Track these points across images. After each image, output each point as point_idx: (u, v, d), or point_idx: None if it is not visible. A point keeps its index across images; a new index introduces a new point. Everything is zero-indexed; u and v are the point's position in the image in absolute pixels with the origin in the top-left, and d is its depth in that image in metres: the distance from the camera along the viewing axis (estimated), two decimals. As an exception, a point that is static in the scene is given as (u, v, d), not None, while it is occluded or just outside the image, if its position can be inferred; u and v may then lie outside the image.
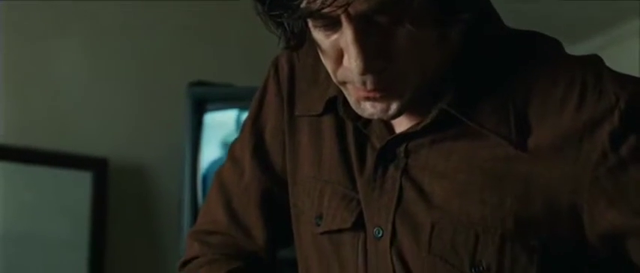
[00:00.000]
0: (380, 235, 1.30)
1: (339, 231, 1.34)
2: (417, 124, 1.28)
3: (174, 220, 3.03)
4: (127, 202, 3.14)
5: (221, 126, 2.89)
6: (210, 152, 2.90)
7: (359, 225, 1.32)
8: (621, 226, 1.23)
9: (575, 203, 1.23)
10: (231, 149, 1.49)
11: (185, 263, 1.48)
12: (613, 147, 1.21)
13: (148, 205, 3.16)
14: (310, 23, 1.20)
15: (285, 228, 1.43)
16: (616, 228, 1.24)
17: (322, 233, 1.35)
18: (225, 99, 2.96)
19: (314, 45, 1.24)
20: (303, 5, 1.14)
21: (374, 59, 1.18)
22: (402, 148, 1.30)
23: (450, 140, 1.27)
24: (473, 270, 1.25)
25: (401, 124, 1.31)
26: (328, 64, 1.24)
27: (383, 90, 1.22)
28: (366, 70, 1.19)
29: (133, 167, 3.12)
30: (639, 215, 1.22)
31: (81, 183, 3.02)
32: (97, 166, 3.04)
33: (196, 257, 1.47)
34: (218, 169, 1.51)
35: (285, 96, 1.41)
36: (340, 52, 1.21)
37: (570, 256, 1.27)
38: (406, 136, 1.29)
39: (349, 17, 1.16)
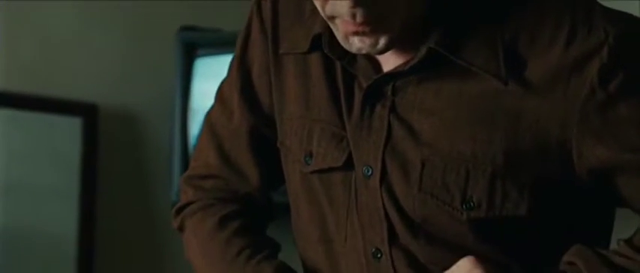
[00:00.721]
0: (369, 173, 1.30)
1: (330, 170, 1.34)
2: (405, 63, 1.28)
3: (165, 165, 3.02)
4: (118, 148, 3.13)
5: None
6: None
7: (350, 164, 1.32)
8: (609, 161, 1.24)
9: (564, 139, 1.23)
10: (220, 90, 1.49)
11: (180, 209, 1.48)
12: (601, 83, 1.21)
13: (138, 150, 3.15)
14: None
15: (277, 168, 1.42)
16: (604, 163, 1.24)
17: (312, 172, 1.35)
18: (216, 44, 2.94)
19: None
20: None
21: None
22: (389, 87, 1.29)
23: (438, 78, 1.27)
24: (464, 206, 1.25)
25: (388, 63, 1.30)
26: None
27: (372, 23, 1.21)
28: (356, 2, 1.18)
29: (124, 113, 3.11)
30: (627, 151, 1.23)
31: (71, 129, 3.00)
32: (86, 112, 3.03)
33: (191, 203, 1.47)
34: (207, 112, 1.51)
35: (270, 33, 1.40)
36: None
37: (560, 193, 1.27)
38: (394, 75, 1.29)
39: None
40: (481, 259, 1.23)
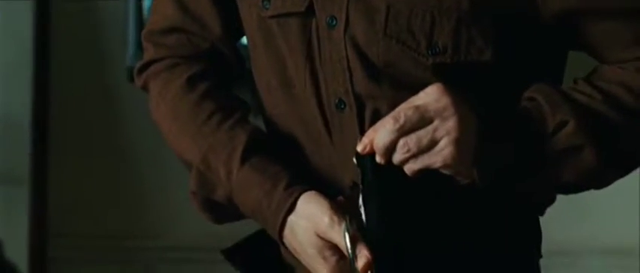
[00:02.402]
0: (334, 23, 1.28)
1: (288, 15, 1.31)
2: None
3: (120, 31, 3.00)
4: (71, 18, 3.09)
5: None
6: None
7: (310, 11, 1.30)
8: (575, 4, 1.24)
9: None
10: None
11: (142, 68, 1.43)
12: None
13: (91, 18, 3.12)
14: None
15: (238, 16, 1.39)
16: (570, 6, 1.24)
17: (270, 17, 1.33)
18: None
19: None
20: None
21: None
22: None
23: None
24: (429, 51, 1.25)
25: None
26: None
27: None
28: None
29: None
30: None
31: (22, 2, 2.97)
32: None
33: (154, 61, 1.42)
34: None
35: None
36: None
37: (524, 38, 1.27)
38: None
39: None
40: (450, 86, 1.23)
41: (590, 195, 2.84)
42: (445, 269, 1.28)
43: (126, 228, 3.18)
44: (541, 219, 1.37)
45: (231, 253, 1.39)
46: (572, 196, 2.68)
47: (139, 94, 1.53)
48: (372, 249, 1.23)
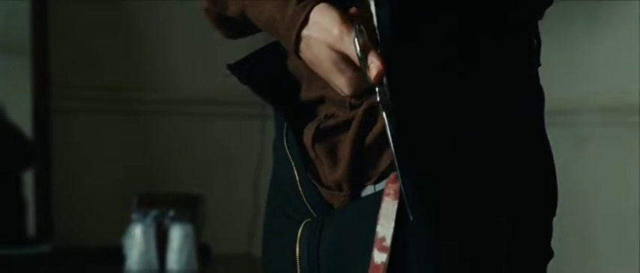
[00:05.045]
0: None
1: None
2: None
3: None
4: None
5: None
6: None
7: None
8: None
9: None
10: None
11: None
12: None
13: None
14: None
15: None
16: None
17: None
18: None
19: None
20: None
21: None
22: None
23: None
24: None
25: None
26: None
27: None
28: None
29: None
30: None
31: None
32: None
33: None
34: None
35: None
36: None
37: None
38: None
39: None
40: None
41: (591, 53, 2.83)
42: (454, 92, 1.27)
43: (127, 80, 3.18)
44: (542, 80, 1.37)
45: (237, 68, 1.39)
46: (572, 55, 2.67)
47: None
48: (383, 56, 1.21)
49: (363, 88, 1.25)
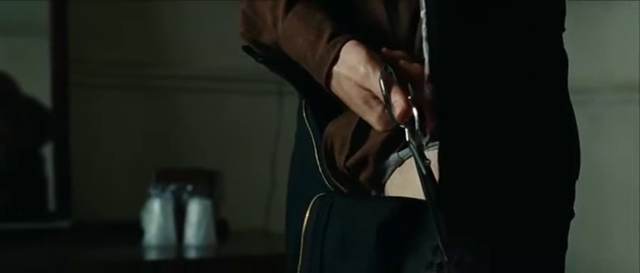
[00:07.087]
0: None
1: None
2: None
3: None
4: None
5: None
6: None
7: None
8: None
9: None
10: None
11: None
12: None
13: None
14: None
15: None
16: None
17: None
18: None
19: None
20: None
21: None
22: None
23: None
24: None
25: None
26: None
27: None
28: None
29: None
30: None
31: None
32: None
33: None
34: None
35: None
36: None
37: None
38: None
39: None
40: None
41: (606, 32, 2.83)
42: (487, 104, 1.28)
43: (146, 56, 3.19)
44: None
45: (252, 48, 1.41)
46: (586, 35, 2.68)
47: None
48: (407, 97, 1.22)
49: (394, 124, 1.27)
